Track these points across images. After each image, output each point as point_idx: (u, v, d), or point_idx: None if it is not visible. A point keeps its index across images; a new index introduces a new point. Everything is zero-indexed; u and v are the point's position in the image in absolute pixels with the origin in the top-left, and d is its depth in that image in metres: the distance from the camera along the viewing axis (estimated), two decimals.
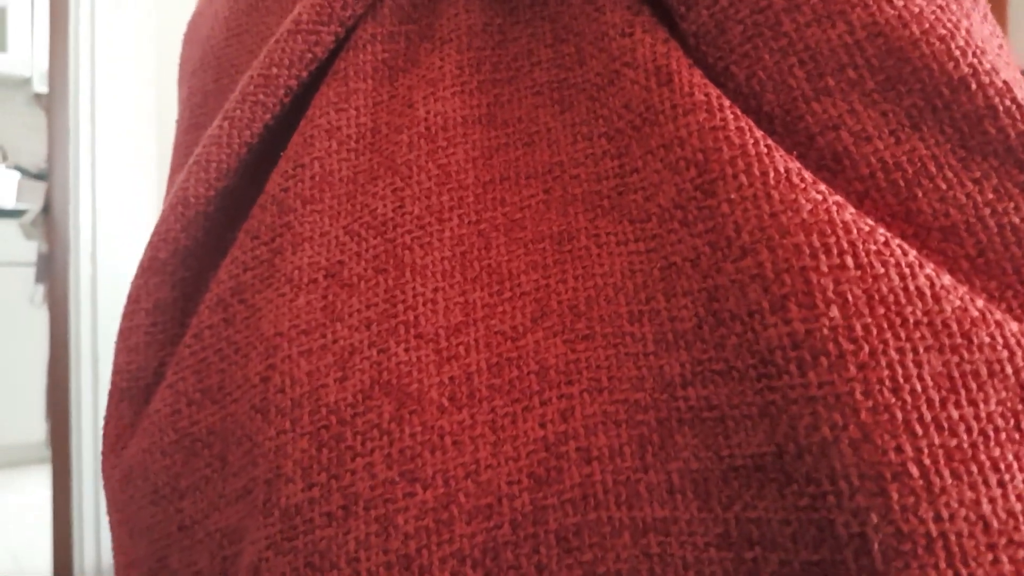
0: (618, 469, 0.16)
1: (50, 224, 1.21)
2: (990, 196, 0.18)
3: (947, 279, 0.16)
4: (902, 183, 0.18)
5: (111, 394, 0.25)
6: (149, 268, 0.24)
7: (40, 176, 2.21)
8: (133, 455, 0.24)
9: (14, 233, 2.08)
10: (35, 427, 2.11)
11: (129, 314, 0.24)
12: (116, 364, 0.25)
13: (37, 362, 2.05)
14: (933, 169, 0.18)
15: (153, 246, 0.24)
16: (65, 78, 1.15)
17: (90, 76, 1.16)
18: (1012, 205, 0.18)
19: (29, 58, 2.33)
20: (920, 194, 0.18)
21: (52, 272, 1.19)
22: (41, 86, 2.27)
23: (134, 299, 0.24)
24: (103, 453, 0.26)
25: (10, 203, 2.19)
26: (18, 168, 2.26)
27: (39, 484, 1.96)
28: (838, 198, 0.17)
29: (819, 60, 0.19)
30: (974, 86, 0.19)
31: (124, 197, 1.18)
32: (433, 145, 0.21)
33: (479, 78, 0.22)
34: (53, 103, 1.16)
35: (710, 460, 0.16)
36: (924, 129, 0.19)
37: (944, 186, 0.18)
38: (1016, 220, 0.18)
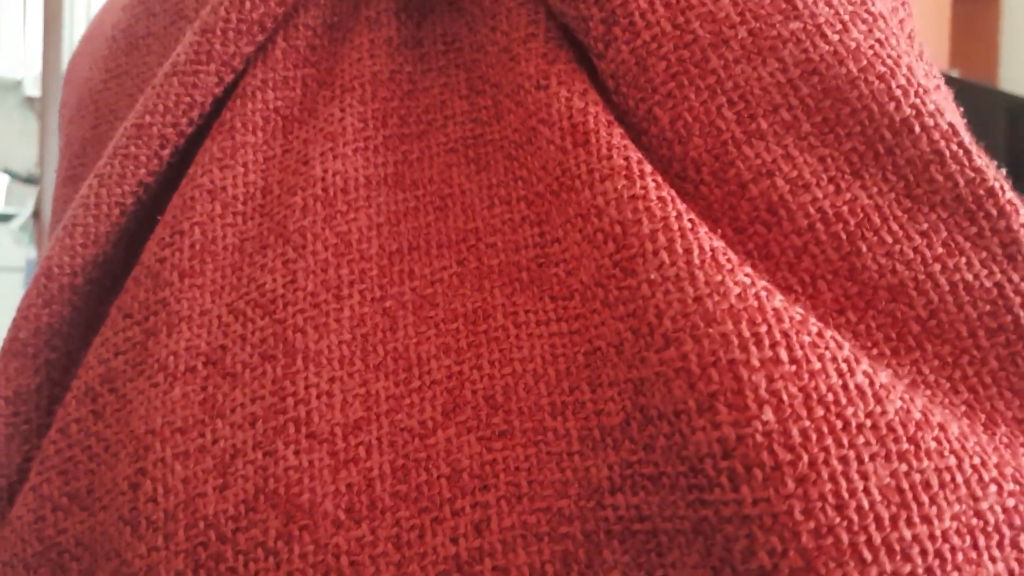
0: None
1: (40, 229, 1.20)
2: (940, 251, 0.18)
3: (885, 376, 0.15)
4: (844, 236, 0.18)
5: None
6: (9, 350, 0.22)
7: (31, 180, 2.17)
8: None
9: (3, 238, 2.04)
10: None
11: None
12: None
13: None
14: (877, 221, 0.18)
15: (14, 325, 0.22)
16: (58, 81, 1.17)
17: None
18: (964, 260, 0.18)
19: (21, 61, 2.34)
20: (864, 248, 0.18)
21: None
22: (33, 89, 2.28)
23: None
24: None
25: None
26: (8, 172, 2.27)
27: None
28: (765, 283, 0.16)
29: (750, 100, 0.18)
30: (918, 129, 0.18)
31: None
32: (331, 209, 0.20)
33: (385, 133, 0.21)
34: (46, 107, 1.16)
35: None
36: (866, 176, 0.18)
37: (890, 240, 0.18)
38: (969, 277, 0.18)
